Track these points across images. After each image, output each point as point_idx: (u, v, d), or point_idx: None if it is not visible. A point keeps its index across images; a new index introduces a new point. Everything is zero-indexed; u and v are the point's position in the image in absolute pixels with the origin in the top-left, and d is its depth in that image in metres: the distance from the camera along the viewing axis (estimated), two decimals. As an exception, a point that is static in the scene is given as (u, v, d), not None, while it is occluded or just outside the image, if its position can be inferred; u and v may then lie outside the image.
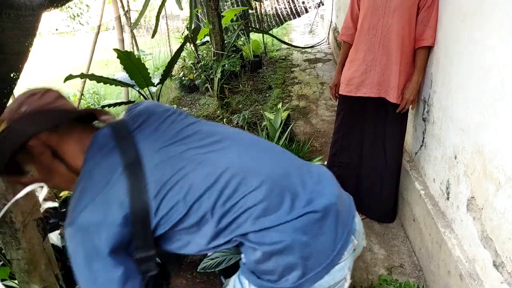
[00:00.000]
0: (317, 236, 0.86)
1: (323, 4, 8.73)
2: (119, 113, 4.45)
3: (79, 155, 0.90)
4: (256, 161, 0.90)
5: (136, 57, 3.07)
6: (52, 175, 0.92)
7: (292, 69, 6.16)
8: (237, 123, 4.07)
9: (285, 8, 8.14)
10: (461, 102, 1.62)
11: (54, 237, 1.98)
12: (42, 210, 1.41)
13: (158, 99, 3.42)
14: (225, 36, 4.95)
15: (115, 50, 2.92)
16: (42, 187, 1.10)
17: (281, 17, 8.13)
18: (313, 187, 0.90)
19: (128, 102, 3.55)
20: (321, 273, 0.87)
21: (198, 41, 5.43)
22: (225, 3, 7.45)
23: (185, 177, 0.84)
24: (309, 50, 7.15)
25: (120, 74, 3.56)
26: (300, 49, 7.19)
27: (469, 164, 1.52)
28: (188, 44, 5.27)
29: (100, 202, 0.81)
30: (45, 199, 2.11)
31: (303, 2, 8.27)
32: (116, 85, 3.30)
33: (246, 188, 0.85)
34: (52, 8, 0.90)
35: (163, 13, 5.36)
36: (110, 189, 0.82)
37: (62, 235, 2.10)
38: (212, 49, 4.71)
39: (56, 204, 2.20)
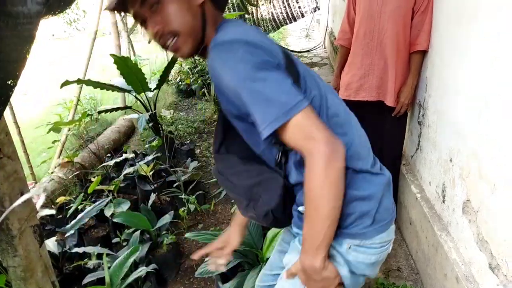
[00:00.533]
0: (385, 197, 0.97)
1: (319, 9, 8.77)
2: (116, 118, 4.45)
3: (214, 24, 0.93)
4: (353, 120, 1.02)
5: (133, 62, 3.08)
6: (185, 19, 0.89)
7: (289, 73, 6.19)
8: (234, 127, 4.08)
9: (281, 12, 8.18)
10: (456, 106, 1.63)
11: (50, 243, 1.98)
12: (38, 217, 1.41)
13: (154, 105, 3.42)
14: (222, 41, 4.98)
15: (112, 55, 2.93)
16: (39, 194, 1.09)
17: (278, 21, 8.16)
18: (379, 163, 1.04)
19: (125, 107, 3.56)
20: (384, 226, 0.97)
21: (195, 46, 5.45)
22: (221, 8, 7.48)
23: (316, 87, 0.94)
24: (305, 54, 7.18)
25: (117, 79, 3.56)
26: (296, 53, 7.22)
27: (464, 167, 1.53)
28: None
29: (263, 37, 0.86)
30: (42, 206, 2.11)
31: (299, 7, 8.32)
32: (112, 91, 3.30)
33: (350, 128, 0.96)
34: (50, 16, 0.90)
35: (159, 18, 5.37)
36: (270, 44, 0.87)
37: (58, 242, 2.09)
38: (208, 54, 4.73)
39: (53, 212, 2.19)
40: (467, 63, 1.52)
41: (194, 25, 0.90)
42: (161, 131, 3.43)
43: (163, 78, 3.34)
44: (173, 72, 5.49)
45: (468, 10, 1.52)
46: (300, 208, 0.98)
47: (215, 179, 3.05)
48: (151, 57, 5.89)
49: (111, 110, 3.32)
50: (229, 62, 0.81)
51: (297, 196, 1.00)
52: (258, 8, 7.28)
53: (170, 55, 5.92)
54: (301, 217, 0.99)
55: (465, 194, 1.52)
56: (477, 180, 1.42)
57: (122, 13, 0.97)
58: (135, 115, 3.41)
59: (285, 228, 1.23)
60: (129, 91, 3.32)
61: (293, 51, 7.14)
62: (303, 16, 8.49)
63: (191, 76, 5.29)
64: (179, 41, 0.90)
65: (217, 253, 1.25)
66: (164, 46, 0.92)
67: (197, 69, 5.16)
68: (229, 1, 7.41)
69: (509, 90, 1.22)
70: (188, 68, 5.49)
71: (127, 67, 2.97)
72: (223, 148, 1.07)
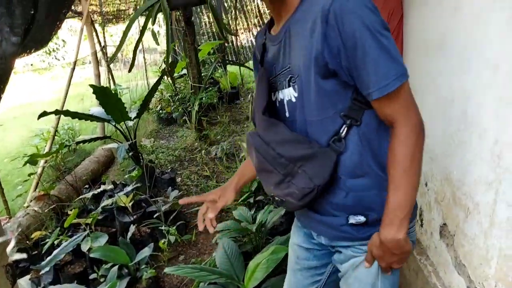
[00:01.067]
0: None
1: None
2: (95, 148, 4.39)
3: None
4: None
5: (113, 92, 3.07)
6: None
7: (269, 99, 6.27)
8: (216, 154, 4.08)
9: (261, 41, 8.37)
10: (428, 132, 1.69)
11: (24, 282, 1.90)
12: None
13: (134, 134, 3.40)
14: (203, 69, 5.04)
15: (91, 86, 2.92)
16: (10, 240, 1.04)
17: (257, 49, 8.33)
18: None
19: (104, 137, 3.52)
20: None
21: (175, 74, 5.49)
22: (202, 37, 7.62)
23: None
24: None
25: (96, 109, 3.54)
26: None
27: (439, 191, 1.57)
28: (165, 77, 5.33)
29: None
30: (13, 248, 2.03)
31: (277, 35, 8.53)
32: (91, 121, 3.27)
33: None
34: (26, 55, 0.91)
35: (140, 46, 5.43)
36: None
37: (33, 280, 2.01)
38: (189, 82, 4.77)
39: (24, 256, 2.11)
40: (435, 91, 1.59)
41: None
42: (141, 160, 3.40)
43: (144, 106, 3.34)
44: (153, 100, 5.50)
45: (435, 43, 1.60)
46: (353, 219, 0.96)
47: (197, 208, 3.01)
48: (132, 85, 5.91)
49: (90, 140, 3.28)
50: (362, 10, 0.82)
51: (348, 201, 0.96)
52: (238, 37, 7.45)
53: (151, 83, 5.95)
54: (355, 228, 0.97)
55: (441, 218, 1.55)
56: (452, 204, 1.45)
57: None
58: (114, 145, 3.38)
59: (294, 245, 1.22)
60: (108, 121, 3.30)
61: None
62: (281, 44, 8.70)
63: (172, 104, 5.30)
64: None
65: (207, 204, 1.22)
66: None
67: (178, 97, 5.18)
68: (209, 30, 7.58)
69: (473, 119, 1.28)
70: (169, 96, 5.52)
71: (107, 97, 2.96)
72: (267, 112, 1.00)
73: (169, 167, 3.90)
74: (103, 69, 4.78)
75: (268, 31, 1.08)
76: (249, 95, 6.55)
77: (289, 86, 0.97)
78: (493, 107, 1.14)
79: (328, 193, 0.97)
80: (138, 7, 5.99)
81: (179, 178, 3.70)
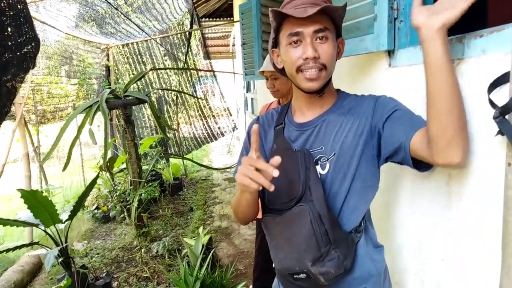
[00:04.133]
0: None
1: (237, 128, 9.50)
2: (20, 255, 3.96)
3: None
4: None
5: (43, 193, 2.91)
6: (334, 61, 1.06)
7: (213, 189, 6.30)
8: (157, 251, 3.88)
9: (202, 132, 8.68)
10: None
11: None
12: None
13: (66, 237, 3.17)
14: (144, 161, 5.00)
15: (19, 190, 2.76)
16: None
17: (199, 140, 8.58)
18: None
19: (31, 243, 3.22)
20: None
21: (115, 168, 5.37)
22: (144, 130, 7.72)
23: None
24: (228, 170, 7.48)
25: (24, 212, 3.28)
26: (220, 170, 7.48)
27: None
28: (104, 172, 5.18)
29: None
30: None
31: (219, 128, 8.93)
32: (17, 226, 3.02)
33: None
34: None
35: (78, 141, 5.30)
36: None
37: None
38: (129, 177, 4.68)
39: None
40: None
41: (333, 69, 1.07)
42: (72, 266, 3.11)
43: (77, 206, 3.17)
44: (90, 197, 5.26)
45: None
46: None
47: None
48: (66, 182, 5.63)
49: (14, 248, 2.97)
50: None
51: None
52: (179, 131, 7.65)
53: (87, 178, 5.74)
54: None
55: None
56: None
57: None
58: (43, 251, 3.09)
59: None
60: (36, 225, 3.06)
61: (215, 168, 7.40)
62: (223, 135, 9.09)
63: (110, 200, 5.10)
64: (323, 73, 1.02)
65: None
66: (304, 68, 1.01)
67: (116, 193, 5.01)
68: (152, 124, 7.73)
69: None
70: (108, 191, 5.32)
71: (36, 201, 2.80)
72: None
73: (104, 271, 3.60)
74: (35, 167, 4.55)
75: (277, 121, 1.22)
76: (195, 186, 6.54)
77: (316, 164, 1.07)
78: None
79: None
80: (76, 105, 6.03)
81: (116, 283, 3.41)
